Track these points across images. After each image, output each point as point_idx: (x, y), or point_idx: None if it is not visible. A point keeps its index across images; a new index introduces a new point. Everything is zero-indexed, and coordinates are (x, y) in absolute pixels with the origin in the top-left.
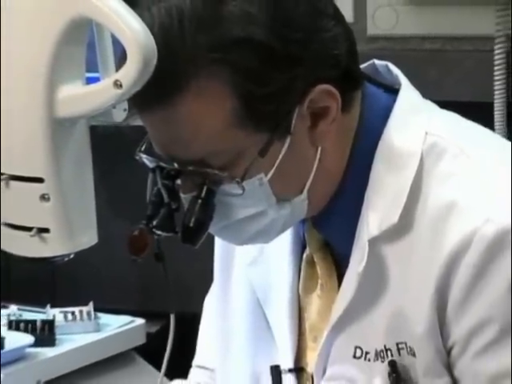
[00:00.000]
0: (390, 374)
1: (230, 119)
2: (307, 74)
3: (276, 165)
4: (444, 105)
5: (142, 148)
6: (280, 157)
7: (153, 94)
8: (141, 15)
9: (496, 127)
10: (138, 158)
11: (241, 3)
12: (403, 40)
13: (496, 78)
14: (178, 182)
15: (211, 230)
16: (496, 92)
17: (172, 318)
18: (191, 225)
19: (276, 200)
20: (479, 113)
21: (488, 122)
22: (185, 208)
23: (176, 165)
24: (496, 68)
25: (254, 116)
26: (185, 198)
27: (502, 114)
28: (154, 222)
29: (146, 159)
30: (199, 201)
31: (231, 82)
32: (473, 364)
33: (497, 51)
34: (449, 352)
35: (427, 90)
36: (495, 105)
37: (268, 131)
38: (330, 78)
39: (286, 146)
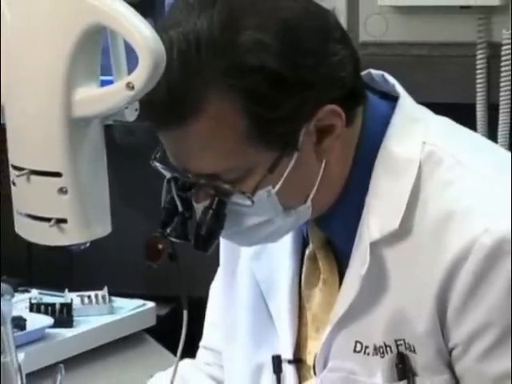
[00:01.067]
0: (397, 365)
1: (241, 139)
2: (316, 98)
3: (283, 178)
4: (430, 106)
5: (157, 156)
6: (287, 171)
7: (169, 113)
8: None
9: (478, 127)
10: (152, 165)
11: (255, 32)
12: (392, 46)
13: (478, 81)
14: (192, 190)
15: (221, 235)
16: (478, 94)
17: (185, 314)
18: (203, 233)
19: (282, 209)
20: (463, 113)
21: (471, 122)
22: (197, 216)
23: (190, 176)
24: (478, 72)
25: (264, 136)
26: (197, 207)
27: (484, 115)
28: (168, 230)
29: (160, 168)
30: (211, 211)
31: (243, 105)
32: (475, 365)
33: (479, 56)
34: (450, 352)
35: (415, 93)
36: (477, 106)
37: (277, 149)
38: (336, 98)
39: (293, 161)
